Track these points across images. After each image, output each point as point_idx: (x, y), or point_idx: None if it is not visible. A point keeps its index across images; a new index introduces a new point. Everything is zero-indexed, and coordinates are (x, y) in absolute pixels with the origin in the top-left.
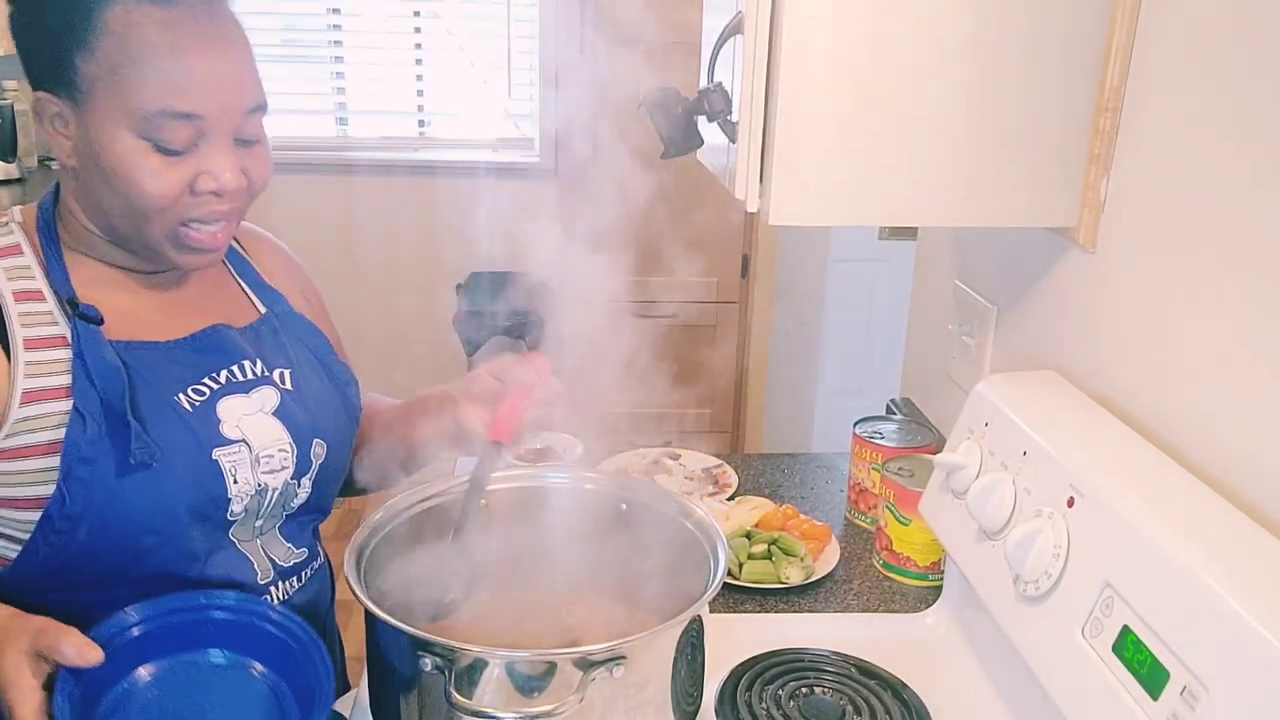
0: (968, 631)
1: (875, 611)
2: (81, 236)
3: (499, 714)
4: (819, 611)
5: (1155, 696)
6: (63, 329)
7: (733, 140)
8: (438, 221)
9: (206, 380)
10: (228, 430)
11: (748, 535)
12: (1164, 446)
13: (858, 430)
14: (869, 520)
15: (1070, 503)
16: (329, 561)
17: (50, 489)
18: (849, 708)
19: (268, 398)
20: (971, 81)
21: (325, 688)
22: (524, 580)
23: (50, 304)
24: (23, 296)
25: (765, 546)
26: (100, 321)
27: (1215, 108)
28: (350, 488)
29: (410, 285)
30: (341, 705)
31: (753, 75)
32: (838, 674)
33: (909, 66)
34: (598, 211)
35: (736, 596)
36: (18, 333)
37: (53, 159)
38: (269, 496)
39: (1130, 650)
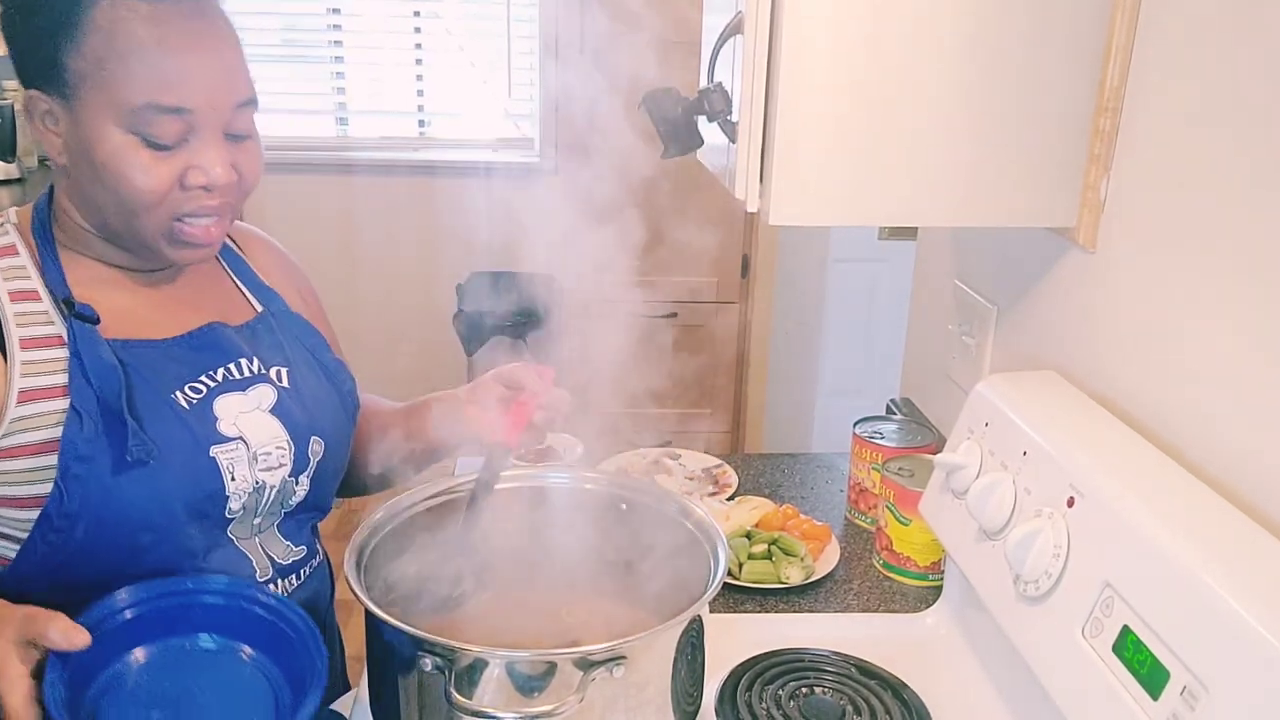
0: (968, 631)
1: (875, 611)
2: (77, 235)
3: (499, 714)
4: (819, 611)
5: (1155, 696)
6: (59, 328)
7: (733, 140)
8: (438, 221)
9: (203, 378)
10: (225, 428)
11: (748, 535)
12: (1164, 446)
13: (858, 430)
14: (869, 520)
15: (1070, 503)
16: (328, 560)
17: (48, 487)
18: (849, 708)
19: (265, 395)
20: (971, 81)
21: (319, 670)
22: (524, 580)
23: (46, 303)
24: (18, 296)
25: (765, 546)
26: (96, 320)
27: (1215, 108)
28: (350, 488)
29: (410, 285)
30: (341, 705)
31: (753, 75)
32: (838, 674)
33: (909, 66)
34: (597, 212)
35: (736, 596)
36: (14, 332)
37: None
38: (267, 494)
39: (1130, 650)
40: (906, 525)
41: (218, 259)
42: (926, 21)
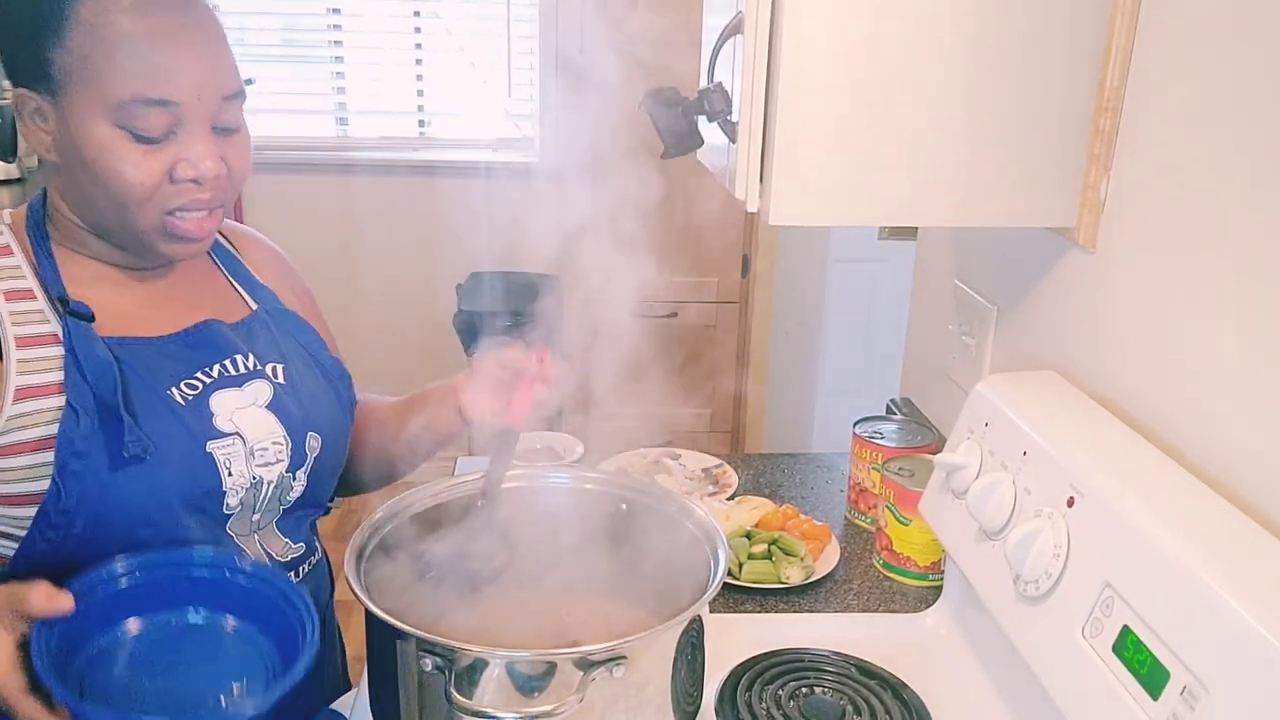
0: (968, 631)
1: (875, 611)
2: (71, 233)
3: (499, 714)
4: (819, 611)
5: (1155, 696)
6: (54, 327)
7: (733, 140)
8: (438, 221)
9: (199, 375)
10: (221, 423)
11: (748, 535)
12: (1164, 446)
13: (858, 430)
14: (869, 520)
15: (1070, 503)
16: (327, 558)
17: (45, 484)
18: (849, 708)
19: (260, 391)
20: (971, 82)
21: (308, 637)
22: (524, 580)
23: (41, 302)
24: (13, 296)
25: (765, 546)
26: (91, 318)
27: (1215, 108)
28: (349, 486)
29: (410, 285)
30: (341, 705)
31: (753, 75)
32: (838, 674)
33: (909, 66)
34: (598, 212)
35: (736, 596)
36: (9, 331)
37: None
38: (264, 489)
39: (1130, 650)
40: (906, 525)
41: (212, 257)
42: (926, 21)
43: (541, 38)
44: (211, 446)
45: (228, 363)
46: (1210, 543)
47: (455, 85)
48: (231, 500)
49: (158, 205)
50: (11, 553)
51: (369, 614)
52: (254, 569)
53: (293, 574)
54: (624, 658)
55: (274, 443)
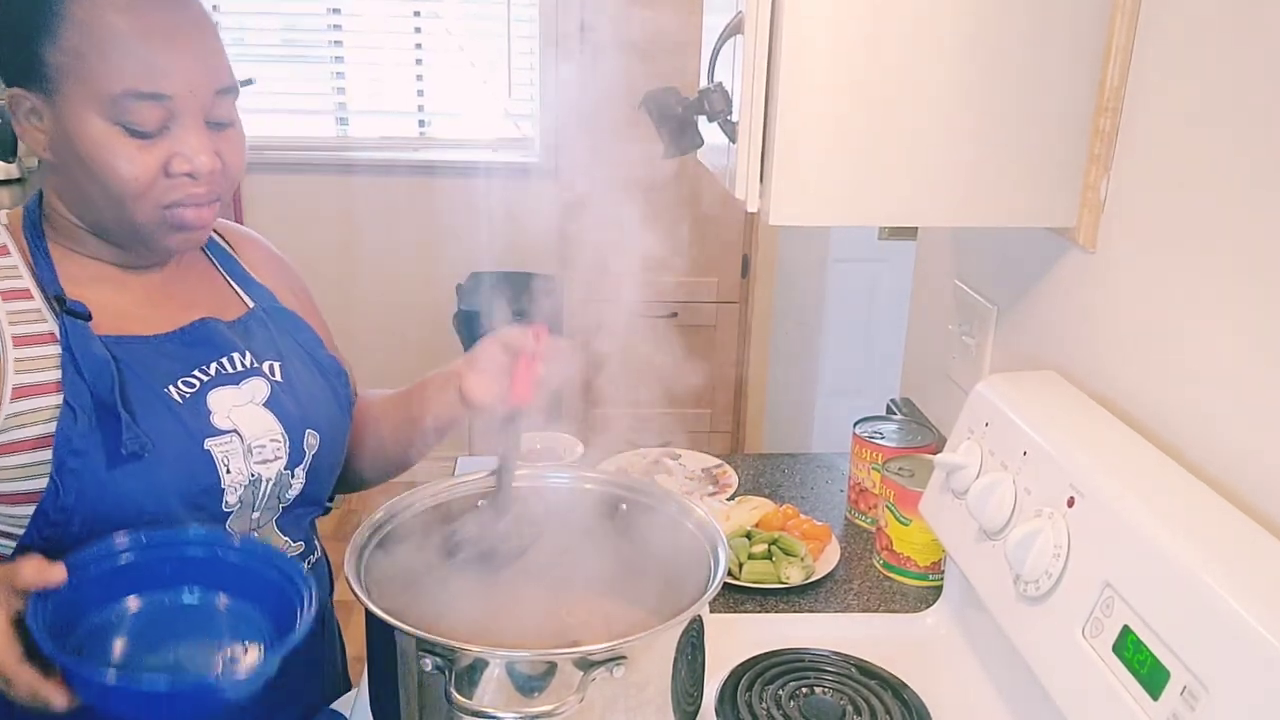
0: (968, 631)
1: (875, 611)
2: (68, 232)
3: (499, 714)
4: (819, 611)
5: (1155, 696)
6: (51, 325)
7: (733, 140)
8: (438, 221)
9: (196, 372)
10: (219, 421)
11: (748, 535)
12: (1164, 446)
13: (858, 430)
14: (869, 520)
15: (1070, 503)
16: (327, 558)
17: (43, 482)
18: (849, 708)
19: (258, 389)
20: (971, 82)
21: (305, 604)
22: (524, 580)
23: (38, 301)
24: (10, 295)
25: (765, 546)
26: (88, 317)
27: (1215, 108)
28: (350, 483)
29: (410, 285)
30: (341, 705)
31: (753, 75)
32: (838, 674)
33: (909, 66)
34: (597, 212)
35: (736, 596)
36: (6, 330)
37: None
38: (263, 487)
39: (1130, 650)
40: (906, 525)
41: (209, 256)
42: (926, 21)
43: (541, 38)
44: (209, 444)
45: (225, 361)
46: (1210, 543)
47: (455, 85)
48: (230, 498)
49: (154, 200)
50: (10, 551)
51: (369, 614)
52: (244, 544)
53: None
54: (624, 658)
55: (272, 440)
